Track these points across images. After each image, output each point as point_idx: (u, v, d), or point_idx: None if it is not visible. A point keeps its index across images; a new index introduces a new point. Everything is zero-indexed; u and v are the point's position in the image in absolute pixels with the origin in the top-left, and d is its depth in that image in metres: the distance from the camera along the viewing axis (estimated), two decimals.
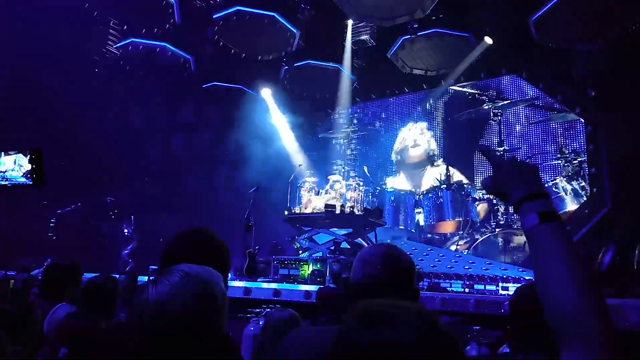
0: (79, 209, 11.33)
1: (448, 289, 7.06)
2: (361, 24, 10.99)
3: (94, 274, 3.39)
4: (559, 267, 0.96)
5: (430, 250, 8.99)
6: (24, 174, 4.44)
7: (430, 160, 12.36)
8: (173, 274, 1.15)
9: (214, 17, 10.10)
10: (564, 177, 9.70)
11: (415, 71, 11.48)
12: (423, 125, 12.68)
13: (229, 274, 3.28)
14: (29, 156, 4.43)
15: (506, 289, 6.79)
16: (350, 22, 10.92)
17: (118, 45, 10.91)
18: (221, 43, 10.69)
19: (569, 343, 0.87)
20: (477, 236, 9.72)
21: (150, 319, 1.10)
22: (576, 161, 9.92)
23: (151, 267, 6.74)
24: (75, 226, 11.37)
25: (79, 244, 10.81)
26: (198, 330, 1.12)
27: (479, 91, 11.32)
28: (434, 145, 12.51)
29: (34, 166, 4.38)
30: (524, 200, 1.13)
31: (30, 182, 4.40)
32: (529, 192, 1.13)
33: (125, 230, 10.77)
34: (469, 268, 7.77)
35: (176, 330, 1.10)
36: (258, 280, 7.74)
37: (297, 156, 12.71)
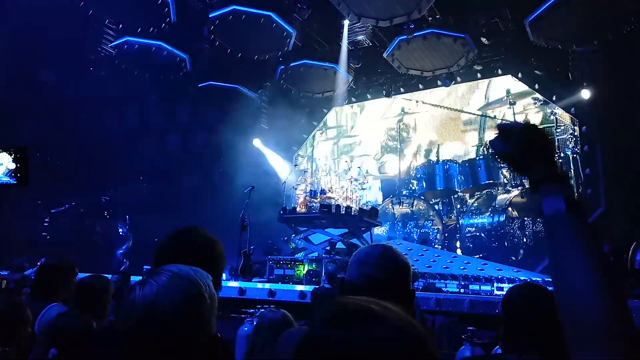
0: (73, 208, 11.27)
1: (443, 289, 7.06)
2: (358, 24, 10.96)
3: (87, 274, 3.36)
4: (585, 269, 0.84)
5: (426, 250, 9.01)
6: (7, 172, 4.37)
7: None
8: (161, 274, 1.14)
9: (210, 16, 10.05)
10: None
11: (411, 72, 11.48)
12: None
13: (224, 274, 3.26)
14: (12, 155, 4.36)
15: (501, 289, 6.79)
16: (346, 22, 10.89)
17: (113, 44, 10.84)
18: (217, 42, 10.64)
19: (585, 347, 0.81)
20: None
21: (137, 320, 1.09)
22: None
23: (145, 267, 6.70)
24: (70, 226, 11.30)
25: (73, 244, 10.74)
26: (186, 331, 1.11)
27: None
28: None
29: (18, 165, 4.31)
30: (546, 180, 0.97)
31: (14, 182, 4.33)
32: (551, 171, 0.98)
33: (120, 230, 10.72)
34: (464, 268, 7.79)
35: (164, 331, 1.08)
36: (253, 280, 7.72)
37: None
